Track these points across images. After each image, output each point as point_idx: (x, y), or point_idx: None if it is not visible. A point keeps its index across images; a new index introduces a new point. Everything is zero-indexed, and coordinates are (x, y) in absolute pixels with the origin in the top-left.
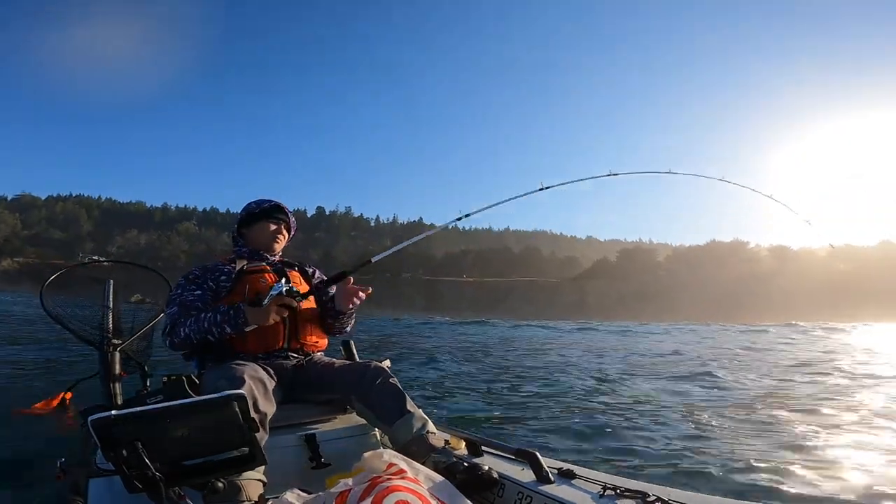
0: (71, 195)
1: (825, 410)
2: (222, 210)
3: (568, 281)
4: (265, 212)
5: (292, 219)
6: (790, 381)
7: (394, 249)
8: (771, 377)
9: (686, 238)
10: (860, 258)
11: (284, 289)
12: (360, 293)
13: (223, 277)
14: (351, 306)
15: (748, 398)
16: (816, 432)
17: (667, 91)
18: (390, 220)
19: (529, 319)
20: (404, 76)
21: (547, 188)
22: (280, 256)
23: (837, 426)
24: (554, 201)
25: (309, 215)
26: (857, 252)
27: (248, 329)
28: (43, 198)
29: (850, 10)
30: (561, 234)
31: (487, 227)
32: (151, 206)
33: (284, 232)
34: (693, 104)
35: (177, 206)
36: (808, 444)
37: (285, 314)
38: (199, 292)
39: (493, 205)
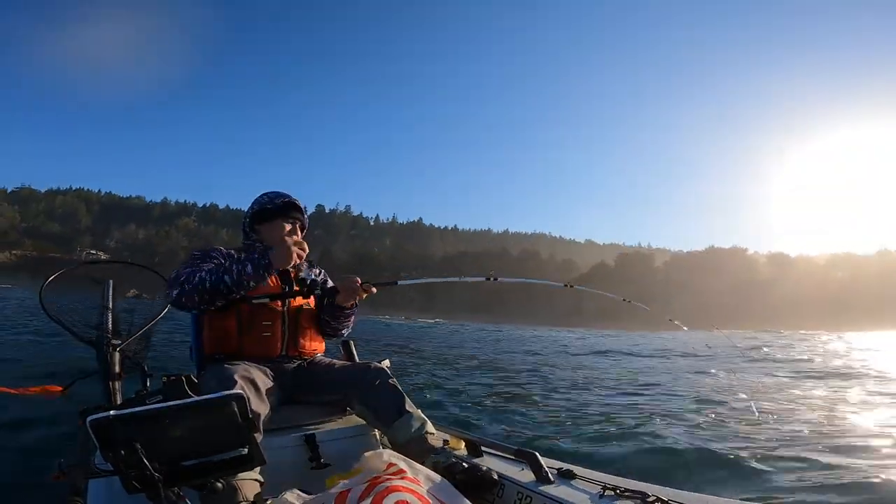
0: (71, 188)
1: (833, 413)
2: (221, 206)
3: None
4: (280, 209)
5: (306, 217)
6: (790, 383)
7: (422, 281)
8: (772, 380)
9: (686, 243)
10: (858, 266)
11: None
12: (362, 290)
13: None
14: (352, 302)
15: (746, 401)
16: (819, 435)
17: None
18: (389, 219)
19: (525, 323)
20: (409, 77)
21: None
22: None
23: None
24: (554, 203)
25: (308, 213)
26: (855, 260)
27: (270, 270)
28: (42, 191)
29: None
30: (560, 236)
31: (487, 228)
32: (151, 200)
33: (299, 232)
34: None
35: (176, 202)
36: (810, 446)
37: (304, 255)
38: (222, 260)
39: (525, 280)
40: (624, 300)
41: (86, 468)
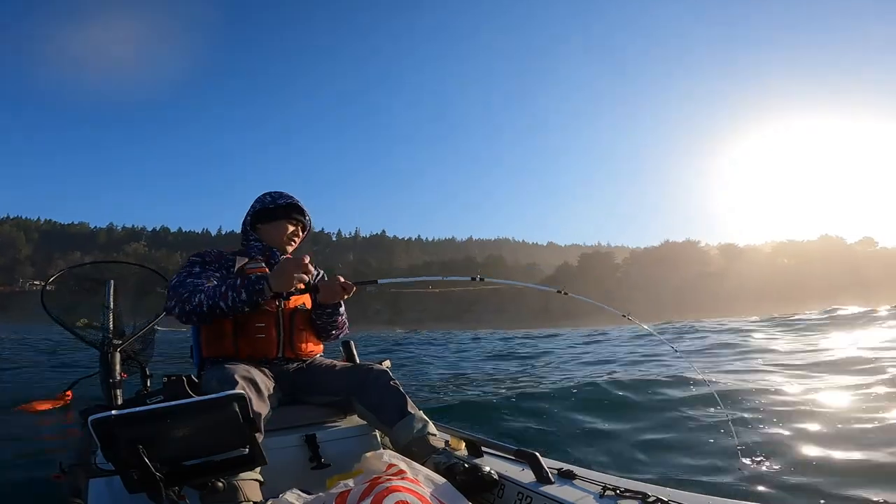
0: (8, 217)
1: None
2: (174, 229)
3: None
4: (282, 210)
5: (309, 219)
6: (767, 377)
7: (404, 280)
8: (747, 373)
9: (643, 240)
10: (802, 253)
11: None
12: (343, 288)
13: (234, 269)
14: (333, 302)
15: (737, 396)
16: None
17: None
18: (353, 233)
19: (495, 327)
20: (364, 87)
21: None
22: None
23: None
24: (515, 208)
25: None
26: (798, 247)
27: (266, 296)
28: None
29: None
30: (523, 240)
31: (451, 236)
32: (95, 226)
33: (301, 233)
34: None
35: (123, 227)
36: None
37: (306, 280)
38: (218, 275)
39: (514, 283)
40: (624, 316)
41: (87, 468)
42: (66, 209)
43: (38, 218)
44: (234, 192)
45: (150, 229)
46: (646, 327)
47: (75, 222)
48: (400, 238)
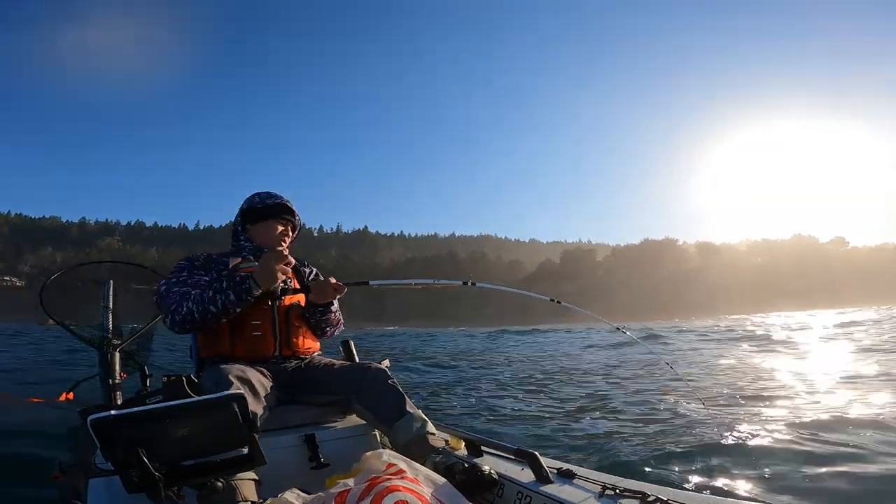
0: None
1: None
2: (149, 224)
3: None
4: (271, 210)
5: (299, 217)
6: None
7: (394, 283)
8: (739, 376)
9: (623, 237)
10: (775, 251)
11: (281, 286)
12: (335, 289)
13: (224, 271)
14: (324, 301)
15: (728, 395)
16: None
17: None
18: (334, 229)
19: (482, 325)
20: (343, 84)
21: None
22: None
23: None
24: (498, 205)
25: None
26: (772, 245)
27: (254, 293)
28: None
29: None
30: (505, 237)
31: (433, 233)
32: (67, 220)
33: (291, 233)
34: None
35: (97, 221)
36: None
37: (289, 272)
38: (207, 278)
39: (506, 289)
40: (619, 329)
41: (86, 468)
42: (38, 203)
43: (9, 211)
44: (212, 188)
45: (124, 224)
46: (638, 340)
47: (46, 216)
48: (383, 234)
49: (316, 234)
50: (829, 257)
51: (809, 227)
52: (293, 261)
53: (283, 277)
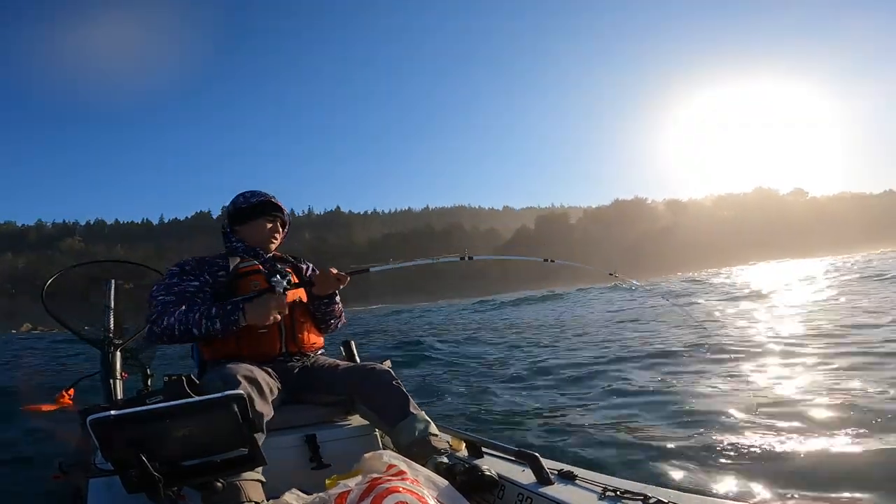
0: None
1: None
2: (110, 221)
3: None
4: (258, 208)
5: (287, 215)
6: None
7: (394, 266)
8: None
9: (595, 199)
10: (739, 204)
11: (283, 286)
12: (338, 279)
13: (221, 272)
14: (328, 292)
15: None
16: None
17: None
18: (306, 211)
19: (462, 297)
20: (309, 60)
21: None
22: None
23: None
24: (470, 174)
25: (214, 216)
26: (736, 199)
27: (240, 325)
28: None
29: None
30: (479, 206)
31: (407, 207)
32: (23, 224)
33: (280, 229)
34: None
35: (54, 222)
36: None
37: (285, 311)
38: (196, 283)
39: (499, 257)
40: (611, 274)
41: (86, 468)
42: None
43: None
44: (174, 180)
45: (83, 223)
46: (634, 282)
47: (1, 222)
48: (356, 213)
49: (286, 218)
50: (790, 208)
51: (770, 179)
52: (286, 311)
53: (276, 321)
